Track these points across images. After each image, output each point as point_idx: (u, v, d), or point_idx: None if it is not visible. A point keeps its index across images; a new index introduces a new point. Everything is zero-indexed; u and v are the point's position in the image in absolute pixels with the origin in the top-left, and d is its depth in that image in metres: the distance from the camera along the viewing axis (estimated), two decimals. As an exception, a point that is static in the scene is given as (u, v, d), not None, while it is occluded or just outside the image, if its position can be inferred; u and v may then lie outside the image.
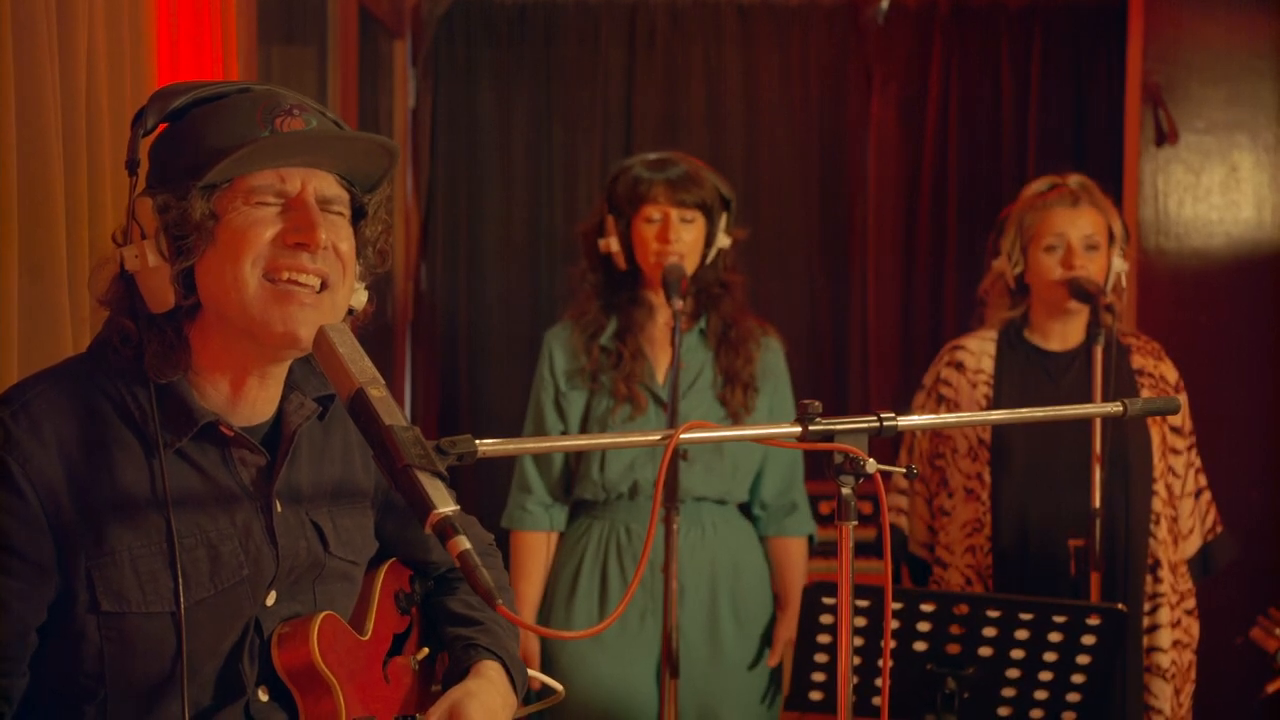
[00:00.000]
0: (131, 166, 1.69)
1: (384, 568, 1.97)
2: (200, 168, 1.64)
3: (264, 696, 1.74)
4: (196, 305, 1.69)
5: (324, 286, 1.69)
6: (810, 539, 3.37)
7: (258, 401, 1.76)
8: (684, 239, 3.13)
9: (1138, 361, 3.29)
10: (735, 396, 3.19)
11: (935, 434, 3.34)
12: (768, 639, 3.28)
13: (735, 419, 3.18)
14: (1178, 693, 3.22)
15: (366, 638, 1.87)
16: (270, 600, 1.75)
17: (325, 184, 1.71)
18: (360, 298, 1.81)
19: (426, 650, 2.00)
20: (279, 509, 1.76)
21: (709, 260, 3.20)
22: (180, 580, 1.65)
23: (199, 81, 1.77)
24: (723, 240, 3.21)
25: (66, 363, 1.76)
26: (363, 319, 1.85)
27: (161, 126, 1.72)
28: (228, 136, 1.65)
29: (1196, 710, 3.34)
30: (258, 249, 1.65)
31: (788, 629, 3.24)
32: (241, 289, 1.65)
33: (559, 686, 2.20)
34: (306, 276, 1.67)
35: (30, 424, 1.63)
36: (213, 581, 1.69)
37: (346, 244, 1.73)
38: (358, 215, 1.78)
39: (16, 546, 1.60)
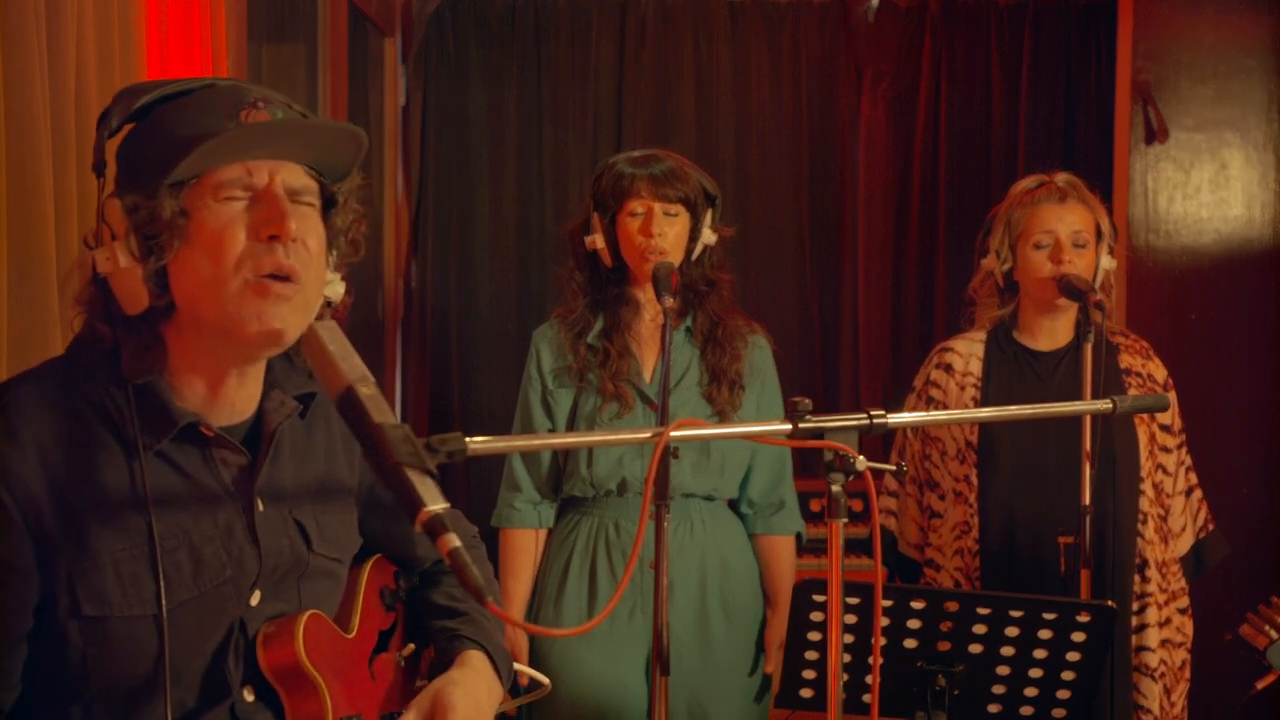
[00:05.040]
0: (98, 168, 1.68)
1: (368, 564, 1.96)
2: (167, 164, 1.62)
3: (249, 697, 1.74)
4: (171, 305, 1.67)
5: (293, 280, 1.66)
6: (798, 537, 3.37)
7: (237, 400, 1.75)
8: (667, 233, 3.13)
9: (1125, 360, 3.29)
10: (721, 394, 3.20)
11: (925, 436, 3.35)
12: (757, 636, 3.28)
13: (722, 416, 3.18)
14: (1168, 691, 3.23)
15: (352, 635, 1.87)
16: (255, 600, 1.75)
17: (293, 175, 1.70)
18: (336, 289, 1.80)
19: (412, 646, 2.00)
20: (261, 508, 1.76)
21: (694, 257, 3.20)
22: (162, 582, 1.64)
23: (163, 80, 1.76)
24: (708, 236, 3.21)
25: (44, 365, 1.75)
26: (342, 310, 1.83)
27: (128, 127, 1.71)
28: (193, 132, 1.63)
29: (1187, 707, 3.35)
30: (237, 249, 1.64)
31: (779, 631, 3.24)
32: (220, 288, 1.64)
33: (546, 680, 2.20)
34: (279, 271, 1.65)
35: (7, 429, 1.62)
36: (195, 583, 1.69)
37: (315, 238, 1.71)
38: (328, 205, 1.76)
39: (2, 556, 1.60)
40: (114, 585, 1.63)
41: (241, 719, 1.73)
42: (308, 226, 1.70)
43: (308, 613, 1.76)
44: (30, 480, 1.61)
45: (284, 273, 1.65)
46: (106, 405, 1.67)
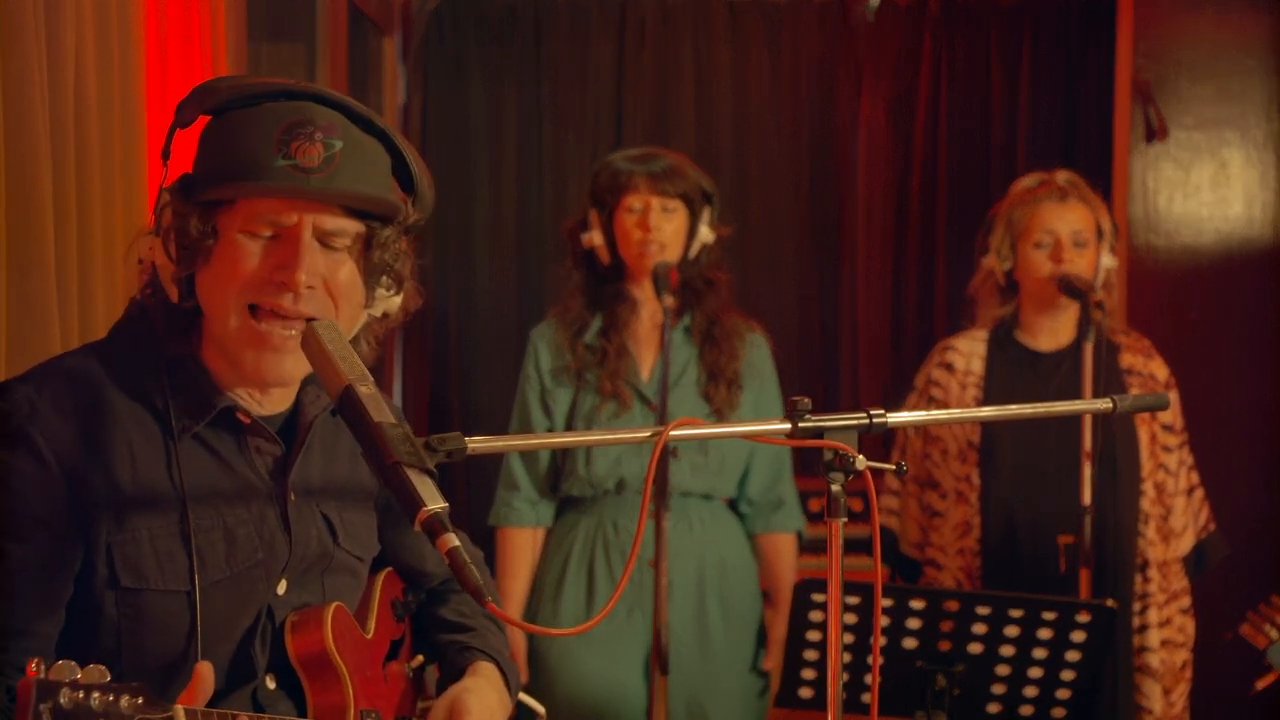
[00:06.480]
0: (163, 157, 1.72)
1: (381, 575, 1.99)
2: (204, 185, 1.66)
3: (271, 684, 1.76)
4: (198, 308, 1.72)
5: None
6: (799, 535, 3.37)
7: (272, 393, 1.79)
8: (665, 229, 3.13)
9: (1127, 360, 3.29)
10: (719, 393, 3.19)
11: (926, 435, 3.35)
12: (756, 635, 3.28)
13: (720, 416, 3.18)
14: (1168, 692, 3.22)
15: (370, 636, 1.89)
16: (281, 589, 1.77)
17: (327, 217, 1.69)
18: (390, 304, 1.83)
19: (421, 658, 2.02)
20: (292, 498, 1.78)
21: (692, 254, 3.19)
22: (195, 560, 1.67)
23: (240, 77, 1.77)
24: (706, 234, 3.20)
25: (87, 347, 1.80)
26: (404, 317, 1.87)
27: (204, 119, 1.73)
28: (240, 155, 1.65)
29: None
30: (241, 283, 1.67)
31: (781, 628, 3.23)
32: (225, 318, 1.68)
33: (540, 708, 2.20)
34: (286, 322, 1.67)
35: (54, 399, 1.66)
36: (228, 564, 1.72)
37: (345, 272, 1.71)
38: (370, 242, 1.75)
39: (44, 517, 1.63)
40: (150, 559, 1.66)
41: (263, 705, 1.75)
42: (334, 266, 1.70)
43: (334, 604, 1.78)
44: (74, 449, 1.65)
45: (286, 314, 1.67)
46: (147, 387, 1.71)
